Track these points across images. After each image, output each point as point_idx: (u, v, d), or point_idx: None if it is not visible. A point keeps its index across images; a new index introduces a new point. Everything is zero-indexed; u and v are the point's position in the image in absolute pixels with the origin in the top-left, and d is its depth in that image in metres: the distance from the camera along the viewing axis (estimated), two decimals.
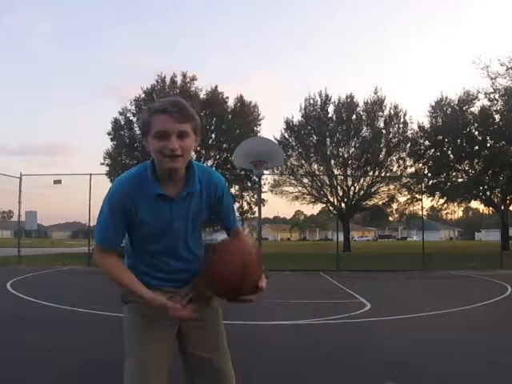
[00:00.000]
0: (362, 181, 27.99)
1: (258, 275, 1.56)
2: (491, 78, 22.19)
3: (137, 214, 1.58)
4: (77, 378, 3.36)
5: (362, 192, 28.19)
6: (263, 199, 25.42)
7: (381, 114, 27.55)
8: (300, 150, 28.38)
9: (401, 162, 27.77)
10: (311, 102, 28.24)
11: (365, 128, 27.65)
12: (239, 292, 1.54)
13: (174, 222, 1.62)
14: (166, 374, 1.69)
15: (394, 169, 28.09)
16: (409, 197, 28.10)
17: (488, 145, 25.56)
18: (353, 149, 27.78)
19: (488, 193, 26.46)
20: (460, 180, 26.75)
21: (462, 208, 74.08)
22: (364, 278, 12.50)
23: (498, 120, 24.55)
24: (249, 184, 25.78)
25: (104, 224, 1.61)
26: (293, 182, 28.59)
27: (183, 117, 1.50)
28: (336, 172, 28.62)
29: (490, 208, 29.62)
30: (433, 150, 26.66)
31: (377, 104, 27.59)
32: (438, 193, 26.99)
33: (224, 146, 27.04)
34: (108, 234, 1.61)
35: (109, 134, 26.70)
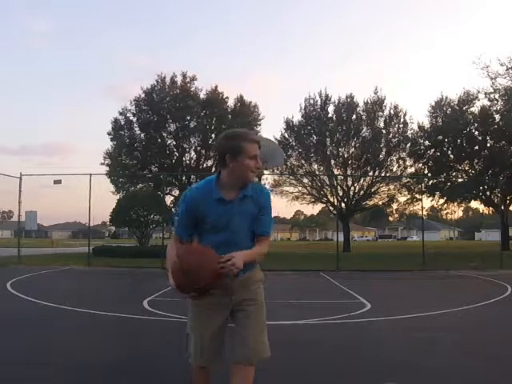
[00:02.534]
0: (361, 181, 27.98)
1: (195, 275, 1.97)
2: (491, 78, 22.19)
3: (203, 213, 2.12)
4: (77, 378, 3.36)
5: (362, 192, 28.18)
6: None
7: (381, 114, 27.53)
8: (300, 150, 28.38)
9: (401, 161, 27.75)
10: (311, 101, 28.24)
11: (365, 128, 27.64)
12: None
13: (232, 219, 2.12)
14: (222, 341, 2.24)
15: (394, 169, 28.10)
16: (409, 197, 28.11)
17: (488, 145, 25.55)
18: (353, 149, 27.78)
19: (488, 193, 26.46)
20: (460, 180, 26.75)
21: (462, 208, 74.25)
22: (364, 278, 12.50)
23: (498, 120, 24.53)
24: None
25: (180, 219, 2.21)
26: (293, 182, 28.60)
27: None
28: (336, 172, 28.61)
29: (490, 208, 29.63)
30: (433, 150, 26.65)
31: (377, 104, 27.57)
32: (437, 193, 26.99)
33: None
34: (179, 228, 2.23)
35: (109, 134, 26.70)
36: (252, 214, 2.14)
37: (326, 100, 28.11)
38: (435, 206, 37.02)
